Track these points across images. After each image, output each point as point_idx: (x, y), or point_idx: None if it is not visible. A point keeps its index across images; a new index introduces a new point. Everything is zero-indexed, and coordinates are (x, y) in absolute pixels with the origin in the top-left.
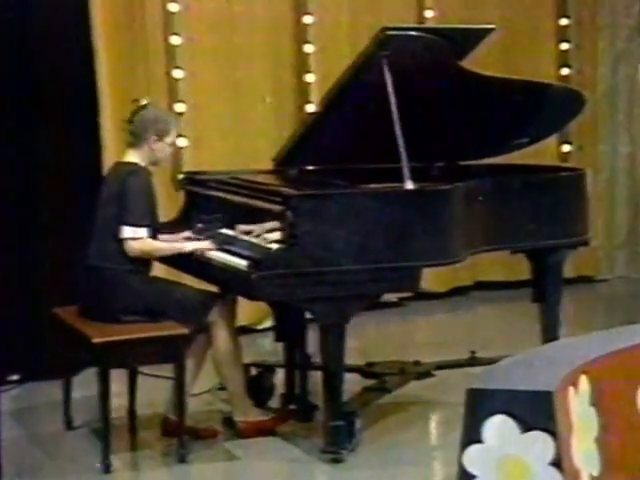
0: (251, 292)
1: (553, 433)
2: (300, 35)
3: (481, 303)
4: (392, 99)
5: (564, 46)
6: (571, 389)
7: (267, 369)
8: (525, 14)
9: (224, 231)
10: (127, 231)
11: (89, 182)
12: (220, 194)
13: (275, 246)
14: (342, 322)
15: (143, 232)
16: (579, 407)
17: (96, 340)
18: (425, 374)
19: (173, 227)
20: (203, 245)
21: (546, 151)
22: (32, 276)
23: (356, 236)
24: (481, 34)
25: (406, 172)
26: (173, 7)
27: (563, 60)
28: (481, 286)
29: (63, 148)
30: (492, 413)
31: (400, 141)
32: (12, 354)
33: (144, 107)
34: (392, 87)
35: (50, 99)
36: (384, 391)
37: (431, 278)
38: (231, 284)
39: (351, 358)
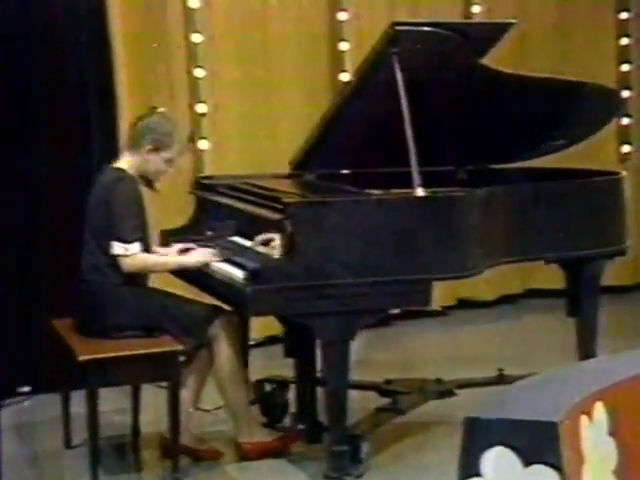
0: (246, 307)
1: (558, 468)
2: (334, 32)
3: (531, 312)
4: (403, 99)
5: (624, 41)
6: (584, 418)
7: (281, 385)
8: (583, 8)
9: (235, 239)
10: (117, 248)
11: None
12: (225, 200)
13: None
14: (345, 339)
15: (135, 248)
16: (594, 438)
17: (82, 357)
18: (446, 393)
19: (183, 234)
20: (207, 257)
21: (605, 152)
22: (36, 285)
23: (360, 247)
24: (501, 29)
25: (416, 177)
26: (194, 3)
27: (624, 56)
28: (533, 294)
29: (77, 151)
30: (491, 445)
31: (410, 144)
32: (22, 365)
33: (153, 113)
34: (403, 86)
35: (66, 99)
36: (397, 412)
37: (478, 285)
38: (229, 297)
39: (378, 373)
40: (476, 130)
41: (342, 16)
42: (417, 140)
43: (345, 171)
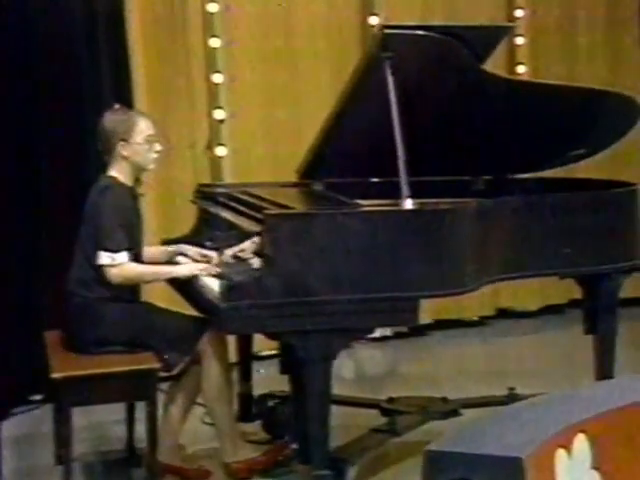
0: (219, 323)
1: None
2: (366, 37)
3: (576, 323)
4: (393, 105)
5: None
6: (560, 452)
7: (284, 400)
8: (631, 10)
9: None
10: (104, 258)
11: None
12: (218, 209)
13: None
14: (326, 358)
15: (122, 257)
16: (573, 472)
17: (55, 375)
18: (450, 413)
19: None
20: (198, 268)
21: None
22: (47, 292)
23: (341, 262)
24: (498, 33)
25: (405, 189)
26: (212, 7)
27: None
28: (579, 304)
29: (93, 161)
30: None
31: (399, 152)
32: (35, 373)
33: (102, 119)
34: (394, 91)
35: (82, 105)
36: (392, 434)
37: (519, 295)
38: (208, 313)
39: (403, 388)
40: (490, 139)
41: (373, 20)
42: (430, 149)
43: (356, 179)
